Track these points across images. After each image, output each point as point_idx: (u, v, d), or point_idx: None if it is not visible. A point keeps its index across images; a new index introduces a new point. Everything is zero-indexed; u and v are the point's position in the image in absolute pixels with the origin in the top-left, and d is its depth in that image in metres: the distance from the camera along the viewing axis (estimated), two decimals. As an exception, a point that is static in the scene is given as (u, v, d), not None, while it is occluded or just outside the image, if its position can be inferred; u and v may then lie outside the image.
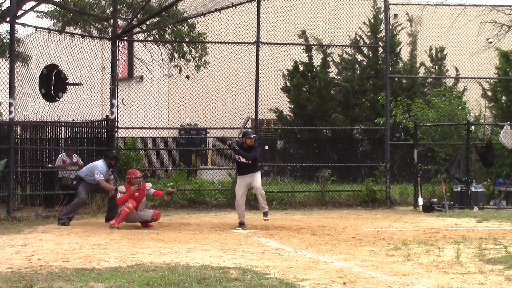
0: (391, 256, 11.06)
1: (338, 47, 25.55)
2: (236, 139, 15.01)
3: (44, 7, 21.15)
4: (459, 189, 19.22)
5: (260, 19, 20.07)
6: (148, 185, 15.40)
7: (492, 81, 26.28)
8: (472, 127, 20.22)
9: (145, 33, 21.27)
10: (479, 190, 19.20)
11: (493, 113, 25.65)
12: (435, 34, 27.07)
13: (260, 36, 20.09)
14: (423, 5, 24.06)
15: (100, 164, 15.68)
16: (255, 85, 20.07)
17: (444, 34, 25.47)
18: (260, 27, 20.09)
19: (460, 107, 22.01)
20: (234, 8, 19.91)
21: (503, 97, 25.71)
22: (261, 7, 20.11)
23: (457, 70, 26.85)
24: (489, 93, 26.25)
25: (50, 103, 18.02)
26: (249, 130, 15.22)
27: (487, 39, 24.10)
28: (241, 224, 14.70)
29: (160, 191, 15.70)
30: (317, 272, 9.61)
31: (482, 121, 22.91)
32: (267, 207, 15.06)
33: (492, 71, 26.31)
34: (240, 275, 9.15)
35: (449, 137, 21.20)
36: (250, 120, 17.04)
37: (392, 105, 22.05)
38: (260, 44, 20.11)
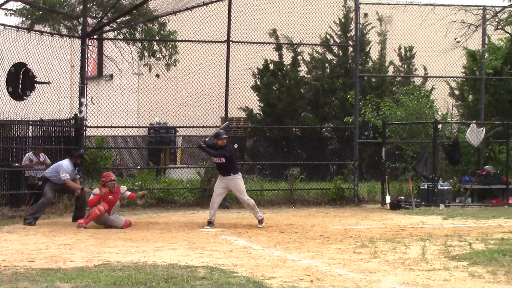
0: (358, 254, 11.17)
1: (308, 46, 25.66)
2: (207, 139, 15.10)
3: (13, 5, 20.98)
4: (426, 186, 19.40)
5: (231, 18, 20.09)
6: (123, 188, 15.30)
7: (459, 80, 26.56)
8: (440, 126, 20.41)
9: (115, 32, 21.18)
10: (445, 187, 19.40)
11: (460, 112, 25.92)
12: (404, 33, 27.20)
13: (231, 34, 20.10)
14: (393, 5, 24.19)
15: (65, 163, 15.57)
16: (225, 84, 20.10)
17: (413, 34, 25.63)
18: (231, 26, 20.11)
19: (428, 106, 22.20)
20: (205, 6, 19.90)
21: (470, 96, 25.98)
22: (232, 6, 20.12)
23: (426, 69, 27.06)
24: (457, 92, 26.51)
25: (18, 102, 17.89)
26: (220, 131, 15.35)
27: (455, 39, 24.33)
28: (210, 223, 14.75)
29: (134, 194, 15.63)
30: (285, 270, 9.68)
31: (449, 119, 23.14)
32: (260, 215, 15.13)
33: (459, 70, 26.55)
34: (208, 273, 9.18)
35: (417, 135, 21.38)
36: (228, 124, 17.26)
37: (361, 103, 22.18)
38: (230, 42, 20.14)
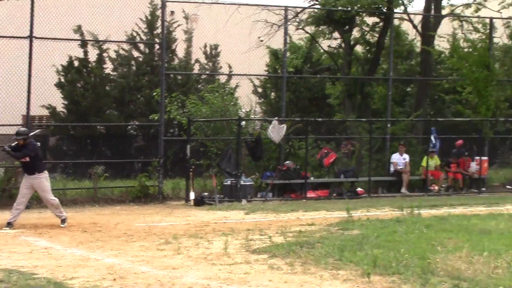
0: (162, 251, 11.30)
1: (114, 43, 25.37)
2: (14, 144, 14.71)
3: None
4: (229, 182, 19.80)
5: (34, 13, 19.47)
6: None
7: (262, 78, 27.36)
8: (243, 123, 20.90)
9: None
10: (247, 183, 19.89)
11: (262, 109, 26.71)
12: (210, 31, 27.61)
13: (34, 30, 19.50)
14: (199, 3, 24.47)
15: None
16: (27, 81, 19.49)
17: (218, 32, 26.06)
18: (34, 21, 19.49)
19: (232, 103, 22.61)
20: (6, 0, 19.19)
21: (272, 94, 26.87)
22: (35, 0, 19.49)
23: (230, 67, 27.53)
24: (260, 90, 27.28)
25: None
26: (21, 129, 14.96)
27: (259, 38, 24.99)
28: (9, 224, 14.31)
29: None
30: (87, 269, 9.64)
31: (252, 116, 23.71)
32: (64, 214, 14.83)
33: (262, 69, 27.36)
34: (6, 276, 8.97)
35: (221, 132, 21.74)
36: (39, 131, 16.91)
37: (167, 101, 22.23)
38: (33, 38, 19.52)
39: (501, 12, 25.18)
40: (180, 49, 28.32)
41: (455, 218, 14.75)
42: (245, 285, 8.83)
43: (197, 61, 28.52)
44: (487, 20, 24.96)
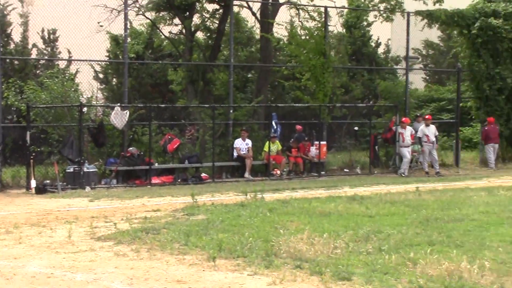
0: (2, 240, 11.07)
1: None
2: None
3: None
4: (72, 169, 19.47)
5: None
6: None
7: (103, 63, 27.03)
8: (85, 109, 20.59)
9: None
10: (91, 170, 19.64)
11: (104, 95, 26.42)
12: (48, 15, 26.92)
13: None
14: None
15: None
16: None
17: (56, 16, 25.46)
18: None
19: (73, 89, 22.19)
20: None
21: (114, 80, 26.62)
22: None
23: (70, 52, 27.00)
24: (101, 75, 26.95)
25: None
26: None
27: (98, 23, 24.65)
28: None
29: None
30: None
31: (94, 102, 23.41)
32: None
33: (103, 54, 27.00)
34: None
35: (63, 118, 21.28)
36: None
37: (4, 87, 21.52)
38: None
39: (334, 1, 26.05)
40: (16, 33, 27.48)
41: (296, 201, 15.18)
42: (90, 272, 8.77)
43: (34, 45, 27.80)
44: (322, 9, 25.76)
